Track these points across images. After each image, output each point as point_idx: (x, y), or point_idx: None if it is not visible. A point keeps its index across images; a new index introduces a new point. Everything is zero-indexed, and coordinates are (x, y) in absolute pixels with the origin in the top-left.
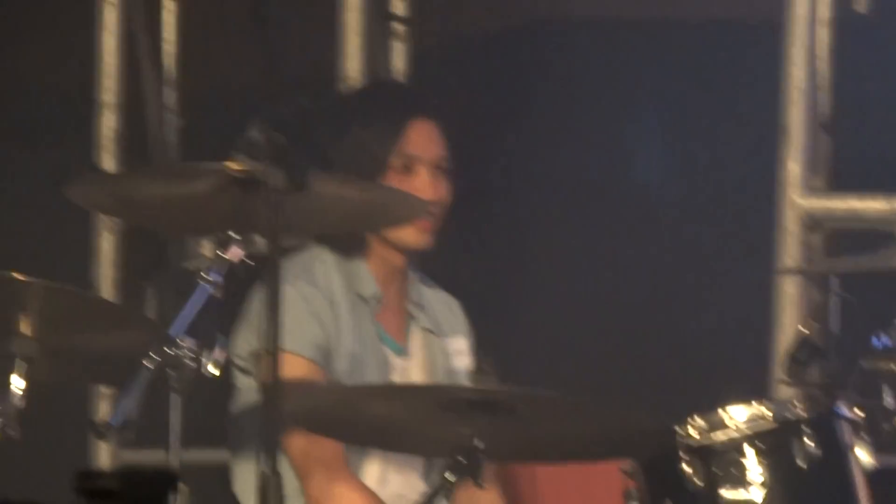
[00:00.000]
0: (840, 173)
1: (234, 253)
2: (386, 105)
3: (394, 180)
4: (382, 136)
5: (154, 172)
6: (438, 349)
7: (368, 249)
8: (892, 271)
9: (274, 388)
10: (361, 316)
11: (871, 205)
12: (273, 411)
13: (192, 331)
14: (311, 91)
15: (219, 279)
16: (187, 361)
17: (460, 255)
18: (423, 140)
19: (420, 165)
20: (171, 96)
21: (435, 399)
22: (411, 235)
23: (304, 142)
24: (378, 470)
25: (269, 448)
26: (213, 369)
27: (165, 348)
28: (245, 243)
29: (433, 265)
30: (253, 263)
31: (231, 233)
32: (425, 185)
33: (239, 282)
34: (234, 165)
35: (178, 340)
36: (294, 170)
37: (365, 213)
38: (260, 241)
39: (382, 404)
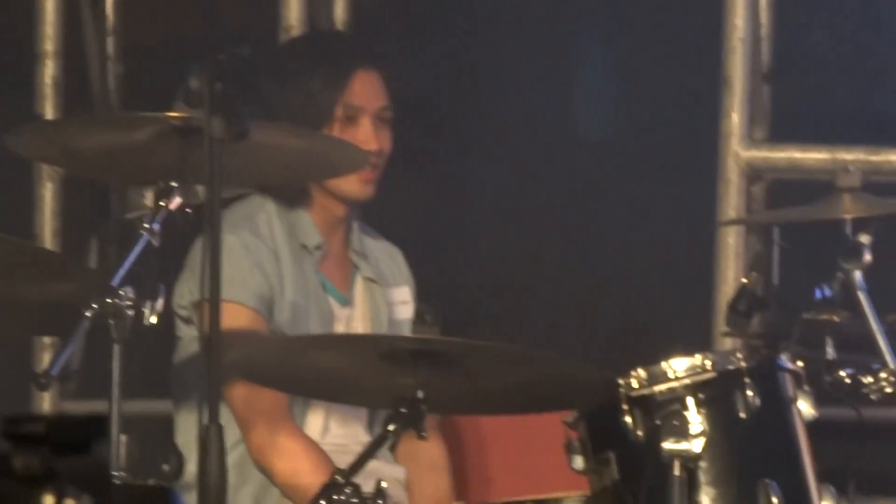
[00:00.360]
0: (781, 124)
1: (175, 202)
2: (330, 55)
3: (337, 130)
4: (327, 86)
5: (95, 121)
6: (382, 299)
7: (311, 200)
8: (833, 222)
9: (215, 338)
10: (304, 266)
11: (812, 155)
12: (214, 362)
13: (133, 281)
14: (252, 40)
15: (159, 229)
16: (128, 311)
17: (403, 205)
18: (367, 90)
19: (363, 116)
20: (111, 45)
21: (377, 349)
22: (354, 185)
23: (246, 91)
24: (321, 421)
25: (211, 399)
26: (153, 319)
27: (106, 298)
28: (186, 192)
29: (376, 215)
30: (193, 213)
31: (172, 182)
32: (368, 136)
33: (181, 231)
34: (174, 114)
35: (118, 290)
36: (234, 118)
37: (306, 162)
38: (201, 191)
39: (325, 355)
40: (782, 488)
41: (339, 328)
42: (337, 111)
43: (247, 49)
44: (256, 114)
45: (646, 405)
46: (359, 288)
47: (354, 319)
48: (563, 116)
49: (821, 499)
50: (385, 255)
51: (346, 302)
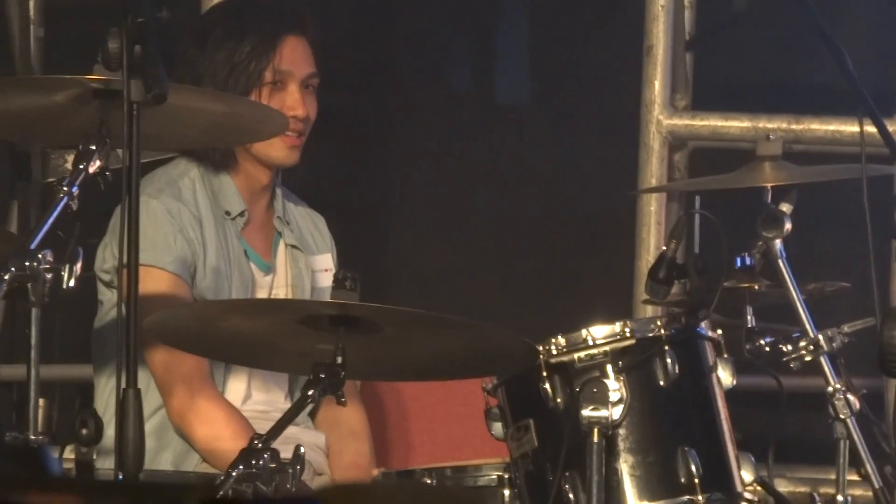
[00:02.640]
0: (703, 93)
1: (95, 165)
2: (259, 20)
3: (265, 96)
4: (256, 52)
5: (14, 83)
6: (304, 266)
7: (236, 165)
8: (754, 190)
9: (133, 302)
10: (227, 232)
11: (734, 123)
12: (133, 326)
13: (51, 244)
14: (172, 3)
15: (77, 192)
16: (46, 275)
17: (325, 170)
18: (295, 56)
19: (291, 82)
20: (32, 7)
21: (296, 314)
22: (279, 151)
23: (166, 54)
24: (242, 387)
25: (129, 363)
26: (72, 283)
27: (24, 261)
28: (106, 156)
29: (299, 181)
30: (113, 176)
31: (91, 145)
32: (296, 102)
33: (101, 195)
34: (93, 77)
35: (36, 254)
36: (153, 81)
37: (227, 126)
38: (122, 154)
39: (244, 320)
40: (701, 456)
41: (261, 295)
42: (265, 76)
43: (166, 12)
44: (181, 77)
45: (565, 372)
46: (281, 255)
47: (276, 286)
48: (484, 82)
49: (739, 467)
50: (308, 222)
51: (268, 269)
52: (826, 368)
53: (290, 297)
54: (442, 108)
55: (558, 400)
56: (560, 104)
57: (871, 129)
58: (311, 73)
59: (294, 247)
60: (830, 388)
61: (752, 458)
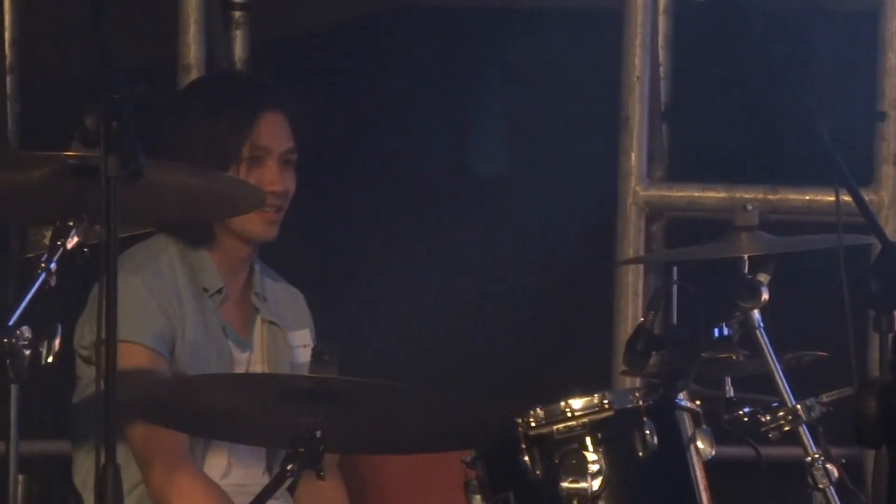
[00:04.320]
0: (680, 163)
1: (73, 241)
2: (237, 96)
3: (243, 171)
4: (234, 128)
5: None
6: (282, 342)
7: (214, 240)
8: (731, 260)
9: (112, 378)
10: (205, 309)
11: (711, 194)
12: (111, 401)
13: (30, 320)
14: (150, 79)
15: (56, 268)
16: (25, 351)
17: (302, 244)
18: (273, 132)
19: (269, 157)
20: (9, 84)
21: (275, 389)
22: (257, 226)
23: (145, 130)
24: (221, 462)
25: (108, 439)
26: (50, 359)
27: (3, 338)
28: (84, 232)
29: (276, 256)
30: (91, 252)
31: (69, 221)
32: (274, 177)
33: (80, 271)
34: (70, 153)
35: (15, 330)
36: (130, 157)
37: (204, 201)
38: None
39: (223, 394)
40: None
41: (239, 372)
42: (243, 152)
43: (143, 88)
44: (159, 153)
45: (544, 444)
46: (259, 331)
47: (254, 363)
48: (465, 157)
49: None
50: (286, 298)
51: (246, 346)
52: (805, 438)
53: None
54: (418, 179)
55: (538, 472)
56: (536, 177)
57: (847, 198)
58: (289, 149)
59: (272, 323)
60: (809, 458)
61: None
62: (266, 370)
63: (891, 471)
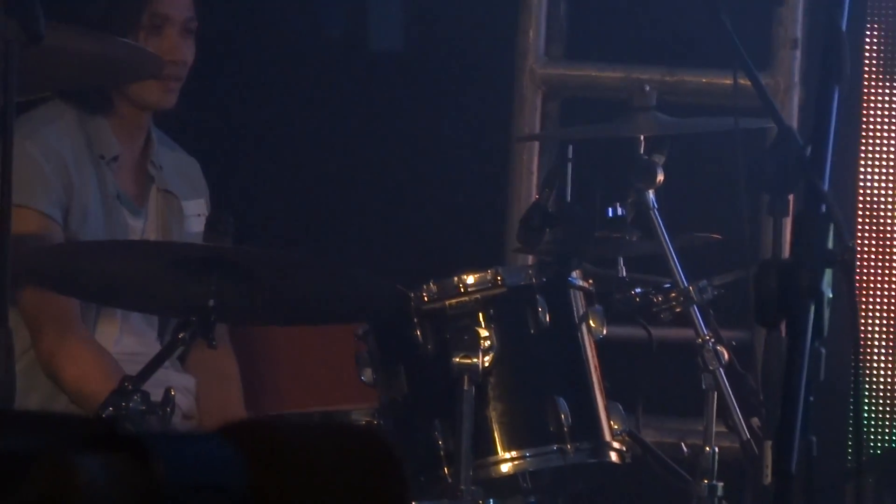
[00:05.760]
0: (577, 42)
1: None
2: None
3: (142, 38)
4: None
5: None
6: (177, 211)
7: (111, 108)
8: (627, 141)
9: (5, 242)
10: (100, 175)
11: (608, 74)
12: (5, 266)
13: None
14: None
15: None
16: None
17: (199, 114)
18: (174, 0)
19: (170, 25)
20: None
21: (168, 256)
22: (155, 94)
23: None
24: (113, 329)
25: (1, 303)
26: None
27: None
28: None
29: (173, 125)
30: None
31: None
32: (174, 46)
33: None
34: None
35: None
36: (30, 21)
37: (103, 67)
38: None
39: (115, 261)
40: (570, 405)
41: (133, 239)
42: (143, 20)
43: None
44: (58, 17)
45: (436, 319)
46: (153, 199)
47: (148, 231)
48: (362, 30)
49: (609, 417)
50: (182, 167)
51: (140, 214)
52: (696, 320)
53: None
54: (313, 53)
55: (429, 347)
56: (433, 52)
57: (744, 81)
58: (189, 17)
59: (167, 191)
60: (700, 340)
61: (622, 409)
62: (160, 238)
63: (789, 350)
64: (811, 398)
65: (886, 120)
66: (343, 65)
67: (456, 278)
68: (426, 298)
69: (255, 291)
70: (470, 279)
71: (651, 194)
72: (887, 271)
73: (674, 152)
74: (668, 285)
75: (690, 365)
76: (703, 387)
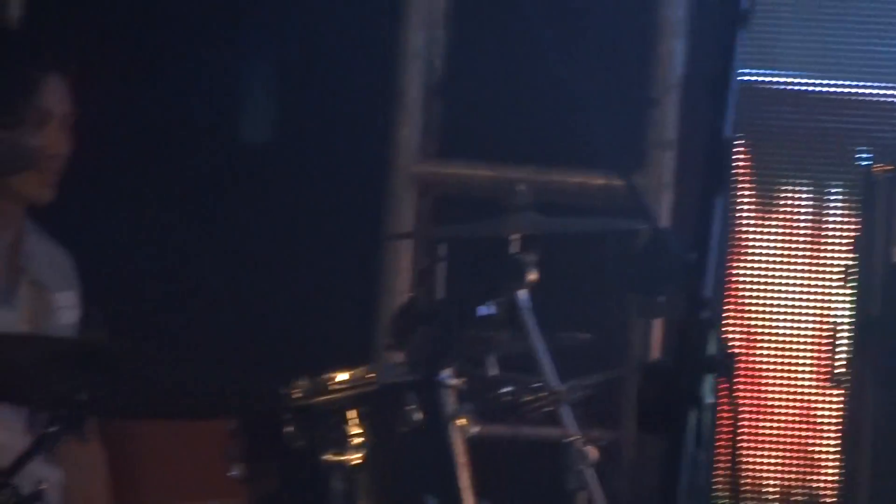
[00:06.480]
0: (452, 140)
1: None
2: (21, 57)
3: (25, 132)
4: (18, 90)
5: None
6: (48, 303)
7: None
8: (499, 239)
9: None
10: None
11: (482, 172)
12: None
13: None
14: None
15: None
16: None
17: (73, 207)
18: (56, 95)
19: (51, 119)
20: None
21: (39, 350)
22: (35, 187)
23: None
24: None
25: None
26: None
27: None
28: None
29: (46, 217)
30: None
31: None
32: (55, 140)
33: None
34: None
35: None
36: None
37: None
38: None
39: None
40: (441, 502)
41: (3, 332)
42: (27, 114)
43: None
44: None
45: (307, 415)
46: (24, 292)
47: (18, 323)
48: (233, 124)
49: None
50: (53, 258)
51: (11, 306)
52: (565, 419)
53: None
54: (185, 143)
55: (300, 443)
56: (305, 144)
57: (617, 182)
58: (70, 112)
59: (37, 283)
60: (569, 439)
61: None
62: (31, 331)
63: (668, 456)
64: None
65: (755, 225)
66: (213, 155)
67: (327, 375)
68: (298, 394)
69: (126, 385)
70: (341, 376)
71: (523, 293)
72: (754, 373)
73: (547, 251)
74: (538, 384)
75: (559, 464)
76: (572, 486)
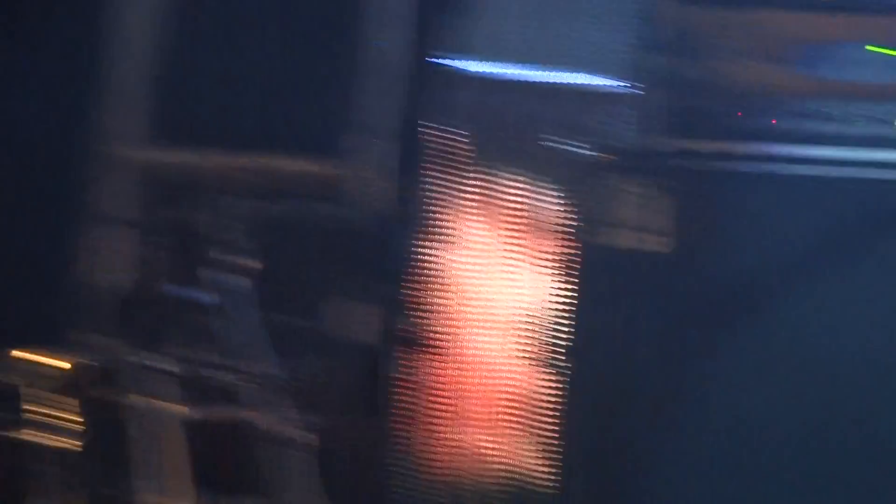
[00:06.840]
0: (173, 128)
1: None
2: None
3: None
4: None
5: None
6: None
7: None
8: (219, 226)
9: None
10: None
11: (201, 159)
12: None
13: None
14: None
15: None
16: None
17: None
18: None
19: None
20: None
21: None
22: None
23: None
24: None
25: None
26: None
27: None
28: None
29: None
30: None
31: None
32: None
33: None
34: None
35: None
36: None
37: None
38: None
39: None
40: None
41: None
42: None
43: None
44: None
45: (13, 398)
46: None
47: None
48: None
49: None
50: None
51: None
52: (280, 403)
53: None
54: None
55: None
56: (18, 132)
57: (331, 169)
58: None
59: None
60: (284, 423)
61: None
62: None
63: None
64: None
65: (461, 207)
66: None
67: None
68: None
69: None
70: (50, 360)
71: (243, 280)
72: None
73: (274, 237)
74: (254, 370)
75: (275, 448)
76: (284, 470)
